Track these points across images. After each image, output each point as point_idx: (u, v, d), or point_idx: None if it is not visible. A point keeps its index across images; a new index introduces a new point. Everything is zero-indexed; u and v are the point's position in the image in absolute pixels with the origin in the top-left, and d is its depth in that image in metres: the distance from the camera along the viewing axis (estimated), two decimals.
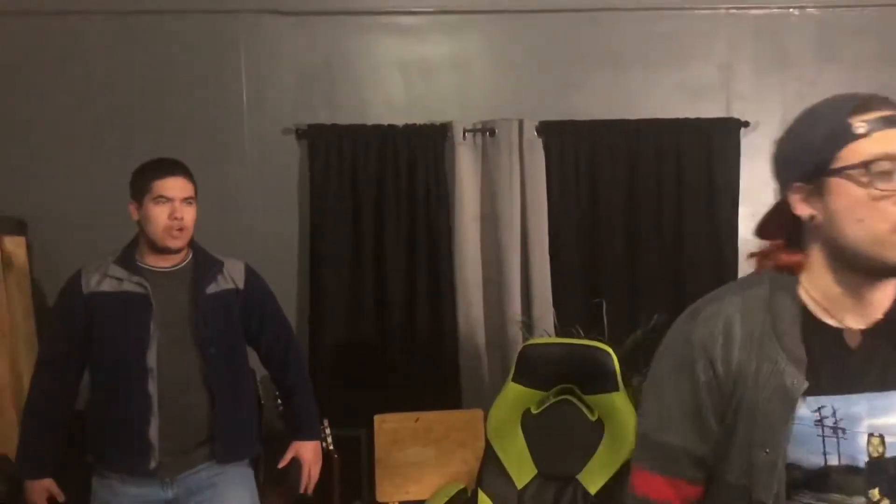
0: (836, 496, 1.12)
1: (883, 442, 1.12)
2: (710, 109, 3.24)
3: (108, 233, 3.13)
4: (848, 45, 3.36)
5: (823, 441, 1.11)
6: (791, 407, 1.11)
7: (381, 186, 3.21)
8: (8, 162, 3.21)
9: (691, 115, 3.24)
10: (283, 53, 3.30)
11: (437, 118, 3.26)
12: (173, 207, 2.15)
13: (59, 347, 2.21)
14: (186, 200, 2.19)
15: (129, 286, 2.17)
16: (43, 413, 2.19)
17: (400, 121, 3.24)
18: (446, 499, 2.61)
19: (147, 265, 2.21)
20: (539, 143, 3.24)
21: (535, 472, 2.58)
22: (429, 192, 3.23)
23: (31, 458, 2.19)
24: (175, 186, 2.17)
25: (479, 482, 2.59)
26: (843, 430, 1.11)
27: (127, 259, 2.19)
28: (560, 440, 2.58)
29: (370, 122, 3.24)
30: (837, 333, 1.15)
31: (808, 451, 1.12)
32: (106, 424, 2.18)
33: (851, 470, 1.12)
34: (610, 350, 2.57)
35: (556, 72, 3.34)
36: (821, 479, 1.12)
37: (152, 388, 2.13)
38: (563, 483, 2.53)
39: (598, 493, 2.47)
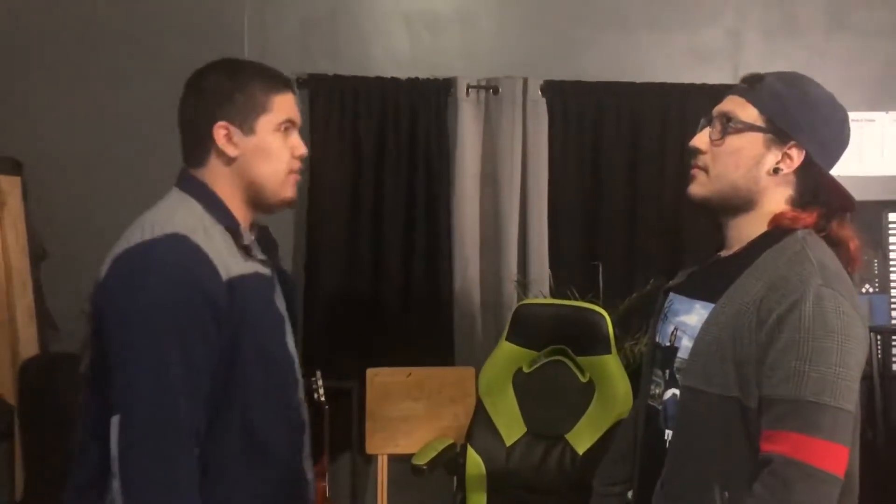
0: None
1: None
2: (717, 75, 3.20)
3: (107, 174, 3.16)
4: (858, 13, 3.31)
5: None
6: None
7: (381, 140, 3.18)
8: (3, 100, 3.16)
9: (697, 80, 3.20)
10: (287, 1, 3.24)
11: (441, 73, 3.21)
12: (297, 139, 1.46)
13: (195, 397, 1.25)
14: None
15: (257, 265, 1.41)
16: None
17: (403, 74, 3.19)
18: (435, 453, 2.64)
19: None
20: (543, 102, 3.21)
21: (525, 430, 2.61)
22: (429, 148, 3.20)
23: None
24: (296, 107, 1.46)
25: (469, 438, 2.62)
26: None
27: (230, 217, 1.40)
28: (550, 400, 2.61)
29: (373, 74, 3.19)
30: None
31: None
32: None
33: None
34: (604, 313, 2.58)
35: (562, 31, 3.29)
36: None
37: (307, 445, 1.48)
38: (552, 442, 2.57)
39: (586, 453, 2.50)
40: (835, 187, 1.35)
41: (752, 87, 1.35)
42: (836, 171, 1.38)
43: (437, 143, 3.20)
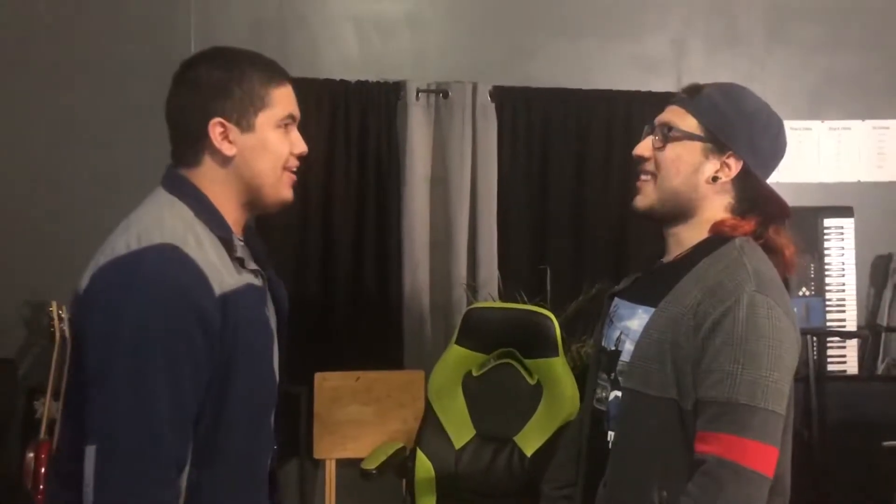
0: None
1: None
2: (661, 83, 3.27)
3: (46, 175, 3.08)
4: (797, 27, 3.42)
5: None
6: None
7: (331, 143, 3.16)
8: None
9: (642, 87, 3.27)
10: (235, 2, 3.20)
11: (391, 76, 3.21)
12: (298, 136, 1.35)
13: (181, 426, 1.16)
14: None
15: (249, 276, 1.30)
16: None
17: (352, 77, 3.19)
18: (385, 457, 2.63)
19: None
20: (492, 107, 3.23)
21: (474, 432, 2.62)
22: (379, 151, 3.19)
23: None
24: (296, 100, 1.35)
25: (418, 441, 2.63)
26: None
27: (223, 225, 1.28)
28: (499, 402, 2.63)
29: (322, 76, 3.18)
30: None
31: None
32: None
33: None
34: (552, 316, 2.61)
35: (511, 37, 3.32)
36: None
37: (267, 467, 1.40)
38: (501, 444, 2.58)
39: (534, 455, 2.53)
40: (771, 196, 1.39)
41: (691, 97, 1.39)
42: (774, 177, 1.43)
43: (386, 146, 3.20)
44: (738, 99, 1.38)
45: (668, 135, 1.38)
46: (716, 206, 1.38)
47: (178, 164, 1.31)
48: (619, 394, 1.38)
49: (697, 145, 1.36)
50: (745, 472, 1.20)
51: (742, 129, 1.35)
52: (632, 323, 1.39)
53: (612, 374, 1.42)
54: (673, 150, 1.37)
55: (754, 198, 1.39)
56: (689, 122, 1.37)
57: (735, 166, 1.36)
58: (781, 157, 1.41)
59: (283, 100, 1.31)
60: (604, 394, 1.45)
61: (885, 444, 2.86)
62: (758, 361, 1.22)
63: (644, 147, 1.41)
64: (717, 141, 1.35)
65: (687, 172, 1.36)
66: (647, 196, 1.40)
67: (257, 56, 1.33)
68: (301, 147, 1.34)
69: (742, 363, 1.22)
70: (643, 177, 1.41)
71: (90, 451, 1.10)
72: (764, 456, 1.21)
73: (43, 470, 2.67)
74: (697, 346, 1.26)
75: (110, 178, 3.02)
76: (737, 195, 1.38)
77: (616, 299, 1.50)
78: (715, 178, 1.36)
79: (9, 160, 3.09)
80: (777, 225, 1.39)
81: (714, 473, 1.21)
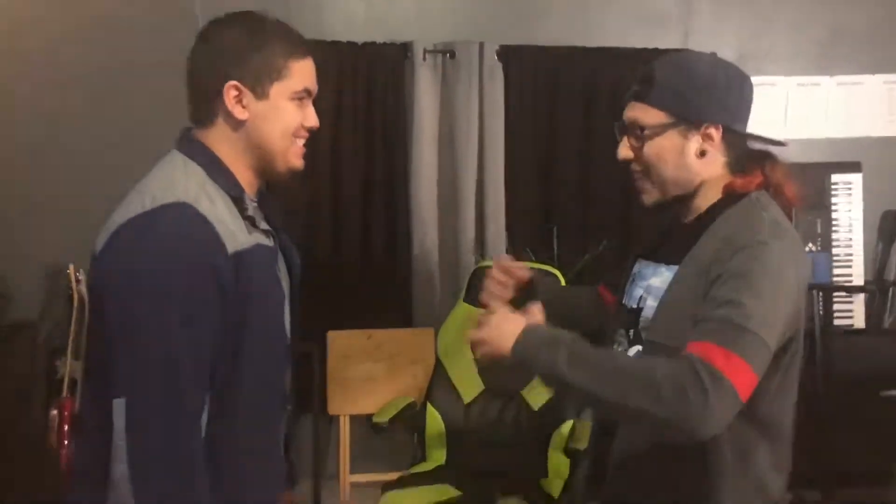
0: None
1: None
2: (667, 40, 3.25)
3: (56, 140, 3.11)
4: None
5: None
6: None
7: (339, 105, 3.18)
8: None
9: (649, 45, 3.25)
10: None
11: (397, 37, 3.21)
12: (311, 110, 1.37)
13: (201, 379, 1.20)
14: None
15: (260, 236, 1.32)
16: None
17: (359, 38, 3.19)
18: (395, 410, 2.70)
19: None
20: (499, 67, 3.24)
21: (482, 388, 2.68)
22: (387, 113, 3.21)
23: None
24: (315, 75, 1.36)
25: (429, 396, 2.70)
26: None
27: (235, 184, 1.31)
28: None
29: (329, 38, 3.18)
30: None
31: None
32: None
33: None
34: (559, 274, 2.65)
35: None
36: None
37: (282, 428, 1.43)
38: (508, 399, 2.64)
39: (541, 408, 2.59)
40: (759, 138, 1.43)
41: (647, 89, 1.40)
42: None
43: (394, 107, 3.21)
44: (690, 71, 1.40)
45: (642, 135, 1.40)
46: (716, 171, 1.41)
47: (194, 123, 1.33)
48: (640, 348, 1.43)
49: (672, 132, 1.38)
50: (722, 378, 1.19)
51: (707, 99, 1.38)
52: (655, 281, 1.44)
53: (633, 331, 1.45)
54: (652, 147, 1.40)
55: (745, 146, 1.43)
56: (655, 116, 1.39)
57: (716, 133, 1.38)
58: (752, 100, 1.44)
59: (300, 73, 1.32)
60: (620, 349, 1.48)
61: (883, 393, 2.89)
62: (759, 293, 1.24)
63: (625, 150, 1.45)
64: (689, 119, 1.38)
65: (674, 160, 1.39)
66: (649, 193, 1.44)
67: (283, 26, 1.34)
68: (313, 121, 1.35)
69: (743, 292, 1.24)
70: (636, 175, 1.45)
71: (119, 404, 1.14)
72: (743, 373, 1.21)
73: (66, 427, 2.75)
74: (710, 286, 1.29)
75: (125, 140, 3.04)
76: (730, 153, 1.41)
77: (640, 260, 1.54)
78: (703, 152, 1.39)
79: (23, 125, 3.12)
80: (772, 162, 1.42)
81: (693, 367, 1.20)
